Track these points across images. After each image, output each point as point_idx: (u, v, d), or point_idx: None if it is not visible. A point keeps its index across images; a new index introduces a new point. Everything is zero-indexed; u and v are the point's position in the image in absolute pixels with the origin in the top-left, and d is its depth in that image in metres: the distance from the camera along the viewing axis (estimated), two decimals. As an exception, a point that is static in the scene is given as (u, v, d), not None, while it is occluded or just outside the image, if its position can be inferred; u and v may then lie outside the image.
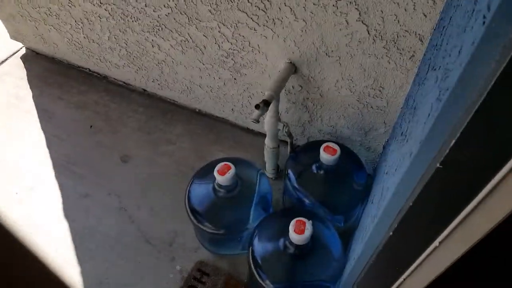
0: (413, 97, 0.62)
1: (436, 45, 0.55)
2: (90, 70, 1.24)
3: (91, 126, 1.12)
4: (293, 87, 0.86)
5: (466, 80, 0.31)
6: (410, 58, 0.69)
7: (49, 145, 1.08)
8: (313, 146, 0.82)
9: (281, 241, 0.70)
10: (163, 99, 1.18)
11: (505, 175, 0.33)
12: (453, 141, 0.31)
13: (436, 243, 0.44)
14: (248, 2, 0.74)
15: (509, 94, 0.27)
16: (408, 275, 0.54)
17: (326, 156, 0.76)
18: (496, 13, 0.28)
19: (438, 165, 0.34)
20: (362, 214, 0.79)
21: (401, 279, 0.55)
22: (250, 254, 0.71)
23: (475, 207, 0.37)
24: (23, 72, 1.24)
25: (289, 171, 0.82)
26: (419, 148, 0.40)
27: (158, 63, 1.03)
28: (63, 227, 0.92)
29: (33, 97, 1.18)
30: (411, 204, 0.40)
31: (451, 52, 0.42)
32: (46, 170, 1.02)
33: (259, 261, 0.70)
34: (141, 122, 1.13)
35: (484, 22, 0.31)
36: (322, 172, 0.80)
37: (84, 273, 0.85)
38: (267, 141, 0.89)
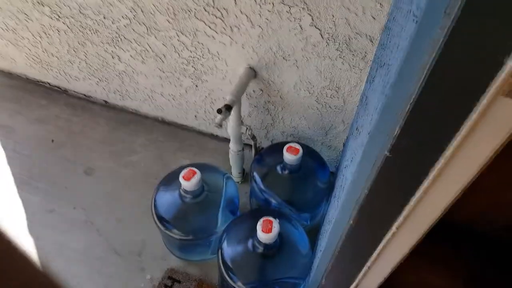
0: (365, 95, 0.66)
1: (384, 44, 0.59)
2: (49, 84, 1.21)
3: (52, 141, 1.10)
4: (254, 91, 0.88)
5: (404, 73, 0.34)
6: (362, 58, 0.73)
7: (10, 161, 1.04)
8: (277, 148, 0.84)
9: (250, 241, 0.71)
10: (125, 109, 1.17)
11: (447, 160, 0.35)
12: (398, 130, 0.33)
13: (393, 228, 0.47)
14: (205, 11, 0.76)
15: (441, 84, 0.29)
16: (372, 262, 0.56)
17: (289, 156, 0.78)
18: (425, 12, 0.31)
19: (386, 153, 0.36)
20: (327, 210, 0.82)
21: (365, 267, 0.57)
22: (220, 257, 0.72)
23: (426, 190, 0.40)
24: (-22, 89, 1.20)
25: (255, 173, 0.84)
26: (368, 139, 0.42)
27: (119, 73, 1.02)
28: (30, 244, 0.89)
29: (-11, 113, 1.14)
30: (366, 191, 0.42)
31: (393, 49, 0.45)
32: (7, 187, 0.99)
33: (229, 264, 0.71)
34: (103, 134, 1.12)
35: (415, 21, 0.35)
36: (286, 172, 0.82)
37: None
38: (232, 145, 0.90)
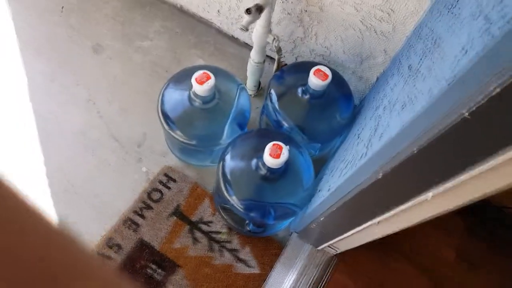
0: (430, 28, 0.54)
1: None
2: None
3: (62, 7, 0.99)
4: (292, -6, 0.76)
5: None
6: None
7: (17, 24, 0.96)
8: (302, 67, 0.76)
9: (254, 161, 0.68)
10: (144, -14, 1.04)
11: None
12: (497, 87, 0.25)
13: (429, 194, 0.41)
14: None
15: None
16: (386, 219, 0.52)
17: (315, 81, 0.70)
18: None
19: (465, 113, 0.28)
20: (340, 146, 0.77)
21: (375, 221, 0.54)
22: (221, 168, 0.69)
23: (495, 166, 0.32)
24: None
25: (272, 91, 0.76)
26: (446, 88, 0.34)
27: None
28: (28, 109, 0.87)
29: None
30: (415, 150, 0.35)
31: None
32: (12, 49, 0.93)
33: (229, 177, 0.68)
34: (116, 9, 1.01)
35: None
36: (307, 96, 0.75)
37: (46, 161, 0.82)
38: (253, 54, 0.81)
